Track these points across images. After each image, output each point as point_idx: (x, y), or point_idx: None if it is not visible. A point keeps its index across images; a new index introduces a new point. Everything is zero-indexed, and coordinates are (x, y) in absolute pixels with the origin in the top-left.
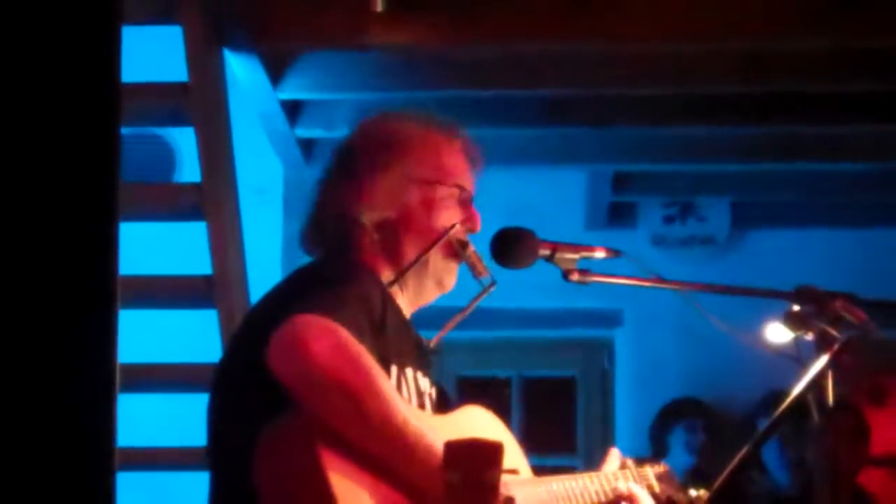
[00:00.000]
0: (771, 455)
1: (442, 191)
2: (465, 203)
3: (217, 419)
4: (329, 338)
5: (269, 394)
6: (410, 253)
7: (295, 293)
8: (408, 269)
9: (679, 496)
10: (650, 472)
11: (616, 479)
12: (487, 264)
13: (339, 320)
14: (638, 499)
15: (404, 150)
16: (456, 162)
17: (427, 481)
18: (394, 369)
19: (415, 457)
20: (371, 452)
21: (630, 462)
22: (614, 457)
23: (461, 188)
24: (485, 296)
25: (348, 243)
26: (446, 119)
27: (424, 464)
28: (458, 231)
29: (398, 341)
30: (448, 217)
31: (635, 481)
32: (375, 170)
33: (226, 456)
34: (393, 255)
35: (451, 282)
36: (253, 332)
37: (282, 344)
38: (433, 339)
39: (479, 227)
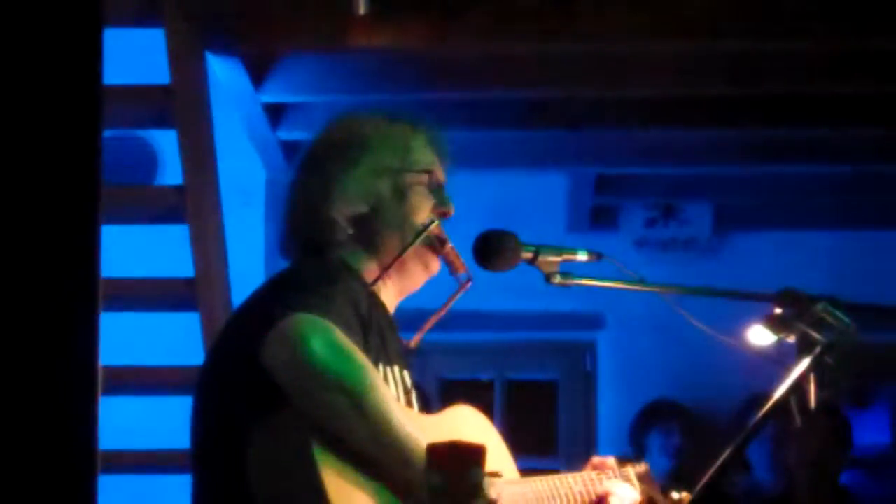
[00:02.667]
0: (760, 457)
1: (411, 177)
2: (436, 188)
3: (206, 420)
4: (325, 336)
5: (261, 393)
6: (388, 243)
7: (282, 294)
8: (388, 267)
9: (658, 496)
10: (631, 471)
11: (600, 478)
12: (467, 264)
13: (331, 319)
14: (618, 493)
15: (370, 144)
16: (422, 149)
17: (421, 481)
18: (381, 367)
19: (410, 456)
20: (367, 451)
21: (612, 461)
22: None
23: (429, 173)
24: (462, 293)
25: (324, 242)
26: (410, 113)
27: (419, 464)
28: (434, 228)
29: (384, 339)
30: (420, 202)
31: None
32: (344, 166)
33: (216, 456)
34: (371, 248)
35: (436, 265)
36: (241, 332)
37: (279, 343)
38: (413, 338)
39: (452, 212)
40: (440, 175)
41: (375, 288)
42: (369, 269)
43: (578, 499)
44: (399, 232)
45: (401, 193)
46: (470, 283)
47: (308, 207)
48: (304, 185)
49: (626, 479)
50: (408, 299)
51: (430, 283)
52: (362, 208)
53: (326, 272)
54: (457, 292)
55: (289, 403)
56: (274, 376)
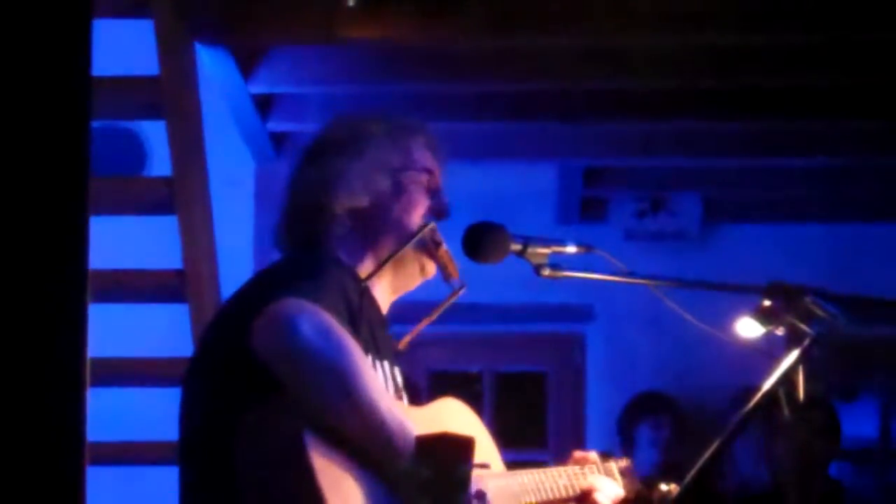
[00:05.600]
0: (749, 451)
1: (410, 176)
2: (434, 189)
3: (194, 410)
4: (315, 320)
5: (251, 381)
6: (384, 240)
7: (273, 283)
8: (382, 265)
9: (641, 491)
10: (614, 466)
11: (584, 472)
12: (458, 261)
13: (321, 304)
14: (602, 488)
15: (373, 140)
16: (422, 150)
17: (408, 467)
18: (371, 359)
19: (398, 444)
20: (355, 436)
21: (595, 456)
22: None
23: (429, 172)
24: (453, 300)
25: (322, 234)
26: (410, 115)
27: (407, 449)
28: (431, 230)
29: (374, 334)
30: (417, 201)
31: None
32: (346, 158)
33: (205, 445)
34: (368, 243)
35: (432, 268)
36: (231, 322)
37: (268, 326)
38: (403, 341)
39: (447, 216)
40: (438, 178)
41: (369, 284)
42: (364, 265)
43: (563, 492)
44: (396, 229)
45: (400, 190)
46: (463, 290)
47: (308, 198)
48: (305, 177)
49: (609, 474)
50: None
51: None
52: (362, 202)
53: (317, 264)
54: (448, 298)
55: (279, 391)
56: (263, 359)
